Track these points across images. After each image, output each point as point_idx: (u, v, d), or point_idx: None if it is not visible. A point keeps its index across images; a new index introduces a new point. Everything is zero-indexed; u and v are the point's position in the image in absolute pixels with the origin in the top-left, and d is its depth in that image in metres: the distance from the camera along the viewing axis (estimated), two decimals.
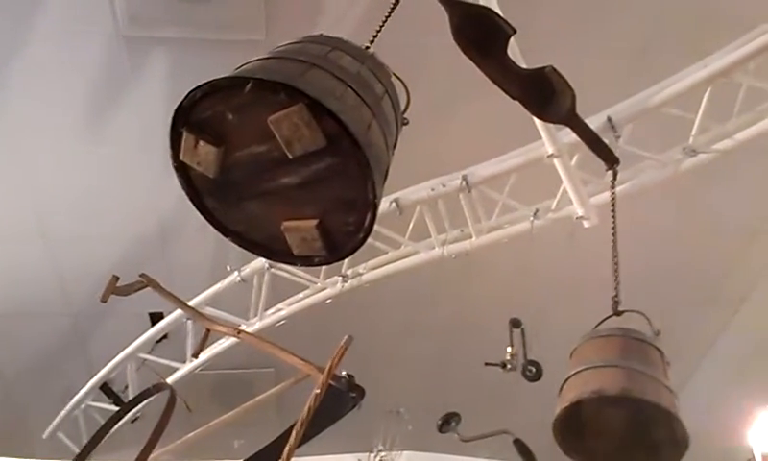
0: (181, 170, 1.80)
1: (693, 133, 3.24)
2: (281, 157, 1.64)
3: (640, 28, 4.11)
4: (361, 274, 4.07)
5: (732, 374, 4.46)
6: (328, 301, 4.23)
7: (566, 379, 2.07)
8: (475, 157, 3.93)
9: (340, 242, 1.74)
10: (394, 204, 3.88)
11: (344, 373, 2.69)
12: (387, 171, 1.87)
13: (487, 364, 2.68)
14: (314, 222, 1.71)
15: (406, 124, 2.09)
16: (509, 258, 4.40)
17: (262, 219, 1.79)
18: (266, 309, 4.37)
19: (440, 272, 4.38)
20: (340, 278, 4.07)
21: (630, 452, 2.06)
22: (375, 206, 1.71)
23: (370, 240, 4.19)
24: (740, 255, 4.16)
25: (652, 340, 2.12)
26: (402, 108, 2.10)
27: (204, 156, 1.72)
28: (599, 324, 2.30)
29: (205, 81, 1.62)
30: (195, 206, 1.85)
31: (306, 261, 1.79)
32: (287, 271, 4.06)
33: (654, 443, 2.00)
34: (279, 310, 4.31)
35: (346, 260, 4.07)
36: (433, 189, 3.86)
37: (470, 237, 3.83)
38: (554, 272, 4.46)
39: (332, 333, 2.51)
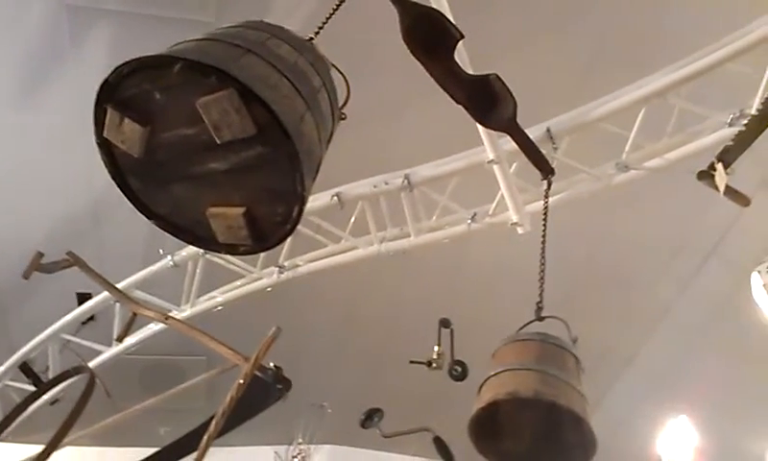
0: (105, 147, 1.75)
1: (626, 149, 3.35)
2: (209, 141, 1.61)
3: (586, 45, 4.24)
4: (299, 265, 4.04)
5: (650, 385, 4.64)
6: (268, 289, 4.19)
7: (485, 380, 2.12)
8: (419, 157, 3.96)
9: (266, 232, 1.72)
10: (335, 198, 3.87)
11: (272, 364, 2.67)
12: (319, 165, 1.87)
13: (412, 362, 2.71)
14: (240, 210, 1.68)
15: (343, 119, 2.08)
16: (446, 259, 4.46)
17: (187, 203, 1.75)
18: (199, 296, 4.28)
19: (378, 269, 4.41)
20: (277, 268, 4.04)
21: (541, 454, 2.12)
22: (303, 199, 1.70)
23: (309, 233, 4.20)
24: (663, 271, 4.35)
25: (569, 346, 2.19)
26: (342, 102, 2.10)
27: (128, 134, 1.68)
28: (521, 328, 2.36)
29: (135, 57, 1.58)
30: (118, 185, 1.80)
31: (231, 249, 1.76)
32: (223, 258, 3.99)
33: (564, 445, 2.07)
34: (213, 298, 4.23)
35: (284, 251, 4.05)
36: (375, 186, 3.87)
37: (409, 236, 3.86)
38: (489, 275, 4.54)
39: (268, 324, 2.49)
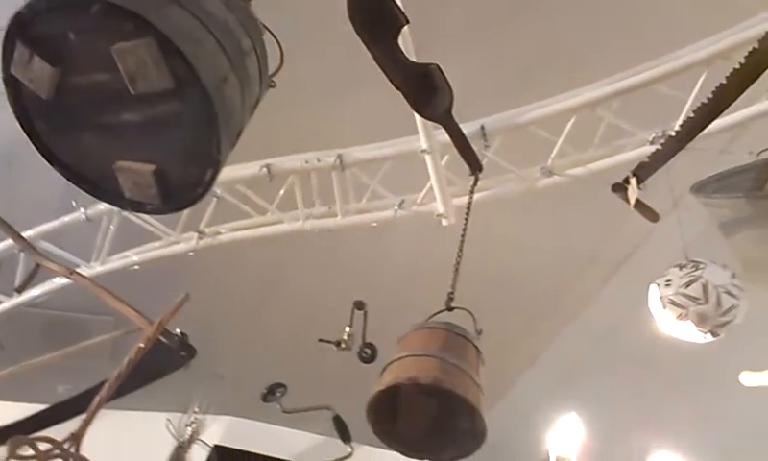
0: (12, 85, 1.64)
1: (552, 155, 3.45)
2: (123, 91, 1.54)
3: (529, 49, 4.32)
4: (220, 233, 3.95)
5: (550, 385, 4.84)
6: (190, 253, 4.07)
7: (388, 364, 2.14)
8: (354, 138, 3.95)
9: (176, 193, 1.66)
10: (265, 169, 3.80)
11: (178, 330, 2.60)
12: (240, 131, 1.81)
13: (320, 340, 2.71)
14: (150, 167, 1.62)
15: (273, 86, 2.03)
16: (373, 242, 4.47)
17: (95, 154, 1.67)
18: (112, 254, 4.12)
19: (302, 246, 4.38)
20: (197, 234, 3.93)
21: (435, 440, 2.17)
22: (218, 164, 1.65)
23: (234, 201, 4.10)
24: (575, 278, 4.53)
25: (472, 338, 2.25)
26: (274, 69, 2.05)
27: (37, 73, 1.58)
28: (431, 316, 2.39)
29: None
30: (22, 126, 1.70)
31: (137, 207, 1.69)
32: (140, 218, 3.84)
33: (457, 432, 2.13)
34: (126, 257, 4.08)
35: (205, 217, 3.95)
36: (307, 162, 3.82)
37: (336, 216, 3.84)
38: (413, 262, 4.58)
39: (185, 289, 2.42)
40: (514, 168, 3.62)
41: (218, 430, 3.20)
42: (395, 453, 2.23)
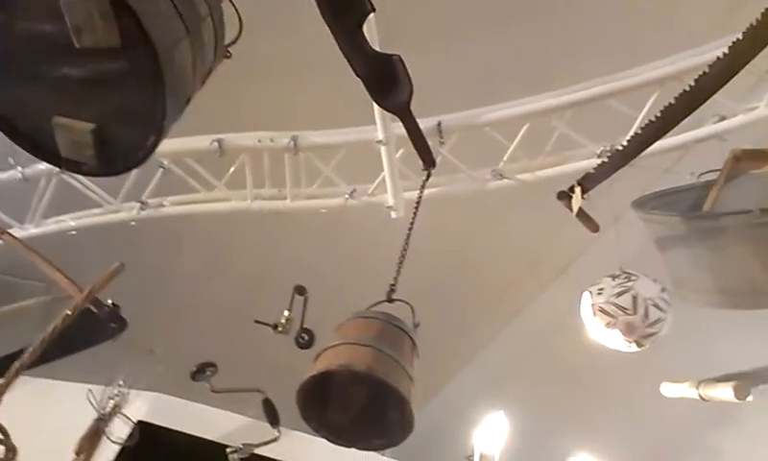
0: None
1: (504, 159, 3.50)
2: (68, 44, 1.46)
3: (496, 53, 4.38)
4: (164, 206, 3.84)
5: (485, 384, 4.93)
6: (132, 223, 3.94)
7: (322, 351, 2.13)
8: (310, 123, 3.90)
9: (115, 156, 1.59)
10: (216, 144, 3.71)
11: (110, 301, 2.51)
12: (189, 99, 1.76)
13: (257, 322, 2.67)
14: (90, 126, 1.54)
15: (228, 57, 1.98)
16: (322, 229, 4.45)
17: (33, 107, 1.58)
18: (49, 217, 3.95)
19: (249, 226, 4.31)
20: (139, 204, 3.81)
21: (363, 428, 2.17)
22: (162, 130, 1.59)
23: (182, 174, 4.00)
24: (517, 282, 4.62)
25: (409, 331, 2.26)
26: (231, 40, 2.00)
27: None
28: (371, 306, 2.39)
29: None
30: None
31: (73, 166, 1.61)
32: (81, 182, 3.70)
33: (385, 422, 2.14)
34: (62, 221, 3.92)
35: (149, 187, 3.83)
36: (260, 141, 3.76)
37: (285, 199, 3.79)
38: (361, 252, 4.58)
39: (124, 259, 2.33)
40: (465, 168, 3.65)
41: (143, 406, 3.12)
42: (322, 440, 2.22)
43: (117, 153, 1.58)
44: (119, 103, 1.53)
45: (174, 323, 4.56)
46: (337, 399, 2.22)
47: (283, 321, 2.69)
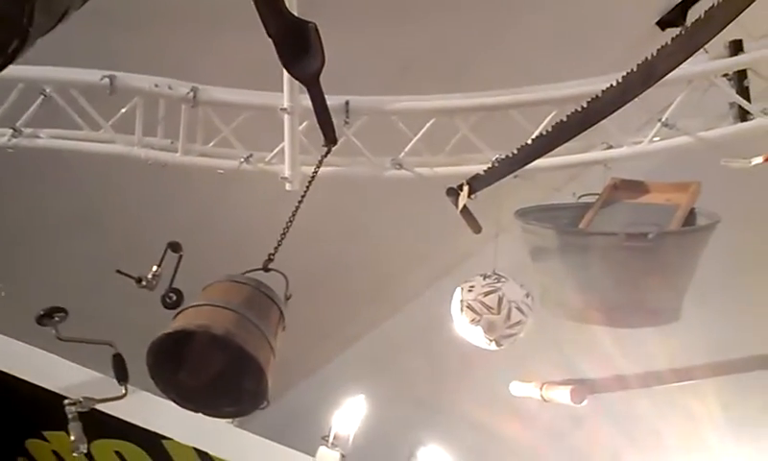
0: None
1: (405, 150, 3.51)
2: None
3: (415, 47, 4.40)
4: (39, 138, 3.54)
5: (361, 370, 4.96)
6: (9, 150, 3.61)
7: (183, 309, 2.04)
8: (215, 79, 3.74)
9: None
10: (108, 80, 3.46)
11: None
12: (65, 12, 1.60)
13: (119, 272, 2.51)
14: None
15: None
16: (214, 189, 4.29)
17: None
18: None
19: (137, 175, 4.08)
20: (11, 130, 3.49)
21: (215, 394, 2.10)
22: (27, 36, 1.43)
23: (65, 106, 3.70)
24: (406, 273, 4.69)
25: (279, 301, 2.20)
26: None
27: None
28: (245, 272, 2.31)
29: None
30: None
31: None
32: None
33: (240, 391, 2.07)
34: None
35: (25, 115, 3.53)
36: (157, 86, 3.55)
37: (176, 152, 3.61)
38: (252, 220, 4.45)
39: None
40: (367, 153, 3.63)
41: None
42: (170, 403, 2.12)
43: None
44: None
45: (32, 265, 4.24)
46: (191, 361, 2.12)
47: (150, 276, 2.53)
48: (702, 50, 2.74)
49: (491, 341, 2.60)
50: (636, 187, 2.88)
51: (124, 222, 4.46)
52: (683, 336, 2.89)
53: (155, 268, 2.53)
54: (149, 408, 2.65)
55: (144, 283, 2.48)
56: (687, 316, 2.63)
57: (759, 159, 2.57)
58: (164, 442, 2.80)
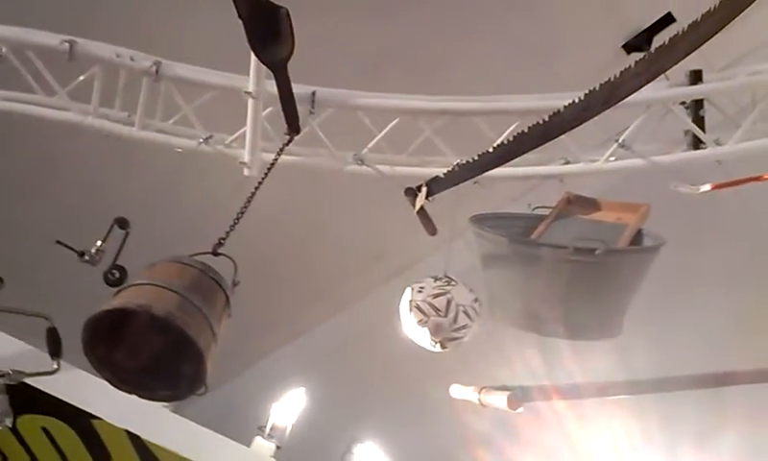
0: None
1: (368, 147, 3.49)
2: None
3: (387, 44, 4.40)
4: None
5: (304, 364, 4.93)
6: None
7: (125, 287, 1.98)
8: (180, 55, 3.65)
9: None
10: (67, 45, 3.34)
11: None
12: None
13: (59, 243, 2.43)
14: None
15: None
16: (171, 168, 4.19)
17: None
18: None
19: (93, 146, 3.95)
20: None
21: (151, 377, 2.04)
22: None
23: (20, 67, 3.56)
24: (359, 271, 4.67)
25: (226, 286, 2.16)
26: None
27: None
28: (194, 255, 2.26)
29: None
30: None
31: None
32: None
33: (177, 375, 2.02)
34: None
35: None
36: (119, 56, 3.43)
37: (133, 126, 3.51)
38: (208, 203, 4.37)
39: None
40: (330, 145, 3.60)
41: None
42: (104, 382, 2.05)
43: None
44: None
45: None
46: (129, 341, 2.06)
47: (93, 251, 2.45)
48: (663, 76, 2.83)
49: (436, 343, 2.61)
50: (589, 204, 2.94)
51: (72, 193, 4.32)
52: (623, 352, 2.97)
53: (99, 243, 2.45)
54: (81, 386, 2.57)
55: (87, 258, 2.41)
56: (628, 333, 2.69)
57: (708, 187, 2.65)
58: (95, 422, 2.72)
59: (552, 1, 4.31)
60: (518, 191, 3.76)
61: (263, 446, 2.69)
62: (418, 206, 2.50)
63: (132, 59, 3.45)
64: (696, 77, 3.08)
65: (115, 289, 2.32)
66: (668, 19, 4.19)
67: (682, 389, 2.66)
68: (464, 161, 3.38)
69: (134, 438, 2.77)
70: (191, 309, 1.93)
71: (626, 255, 2.65)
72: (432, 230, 2.62)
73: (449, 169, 2.60)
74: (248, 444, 2.72)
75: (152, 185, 4.43)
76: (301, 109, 3.36)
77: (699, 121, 3.05)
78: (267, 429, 2.71)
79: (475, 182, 3.12)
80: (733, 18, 1.93)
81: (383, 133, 3.51)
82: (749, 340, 4.24)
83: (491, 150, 2.50)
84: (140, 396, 2.07)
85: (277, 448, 2.63)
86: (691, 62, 2.94)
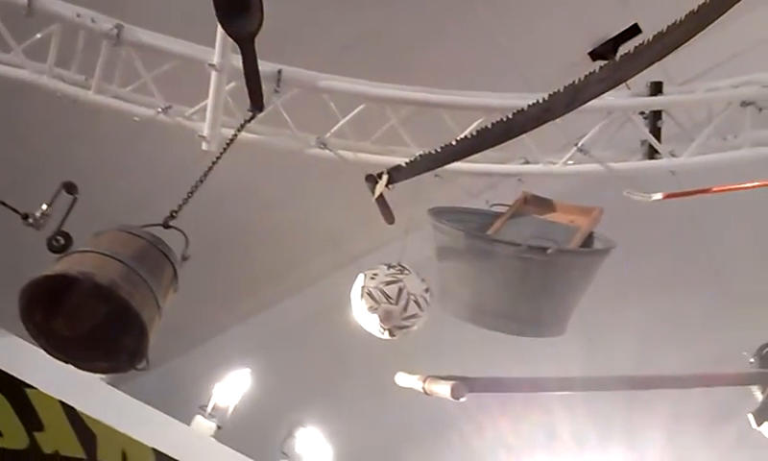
0: None
1: (332, 131, 3.46)
2: None
3: (360, 30, 4.35)
4: None
5: (252, 346, 4.88)
6: None
7: (68, 253, 1.90)
8: (145, 23, 3.54)
9: None
10: (26, 1, 3.20)
11: None
12: None
13: (1, 203, 2.33)
14: None
15: None
16: (127, 135, 4.06)
17: None
18: None
19: (47, 107, 3.80)
20: None
21: (90, 347, 1.98)
22: None
23: None
24: (313, 256, 4.64)
25: (174, 260, 2.11)
26: None
27: None
28: (144, 226, 2.20)
29: None
30: None
31: None
32: None
33: (118, 348, 1.96)
34: None
35: None
36: (80, 16, 3.30)
37: (89, 90, 3.39)
38: (164, 175, 4.25)
39: None
40: (293, 126, 3.55)
41: None
42: (41, 351, 1.98)
43: None
44: None
45: None
46: (70, 310, 1.99)
47: (38, 214, 2.35)
48: (624, 85, 2.88)
49: (385, 330, 2.62)
50: (545, 204, 2.98)
51: (20, 153, 4.15)
52: (565, 350, 3.03)
53: (44, 206, 2.35)
54: (15, 353, 2.47)
55: (31, 221, 2.30)
56: (572, 332, 2.75)
57: (659, 196, 2.72)
58: (28, 391, 2.63)
59: (524, 3, 4.34)
60: (478, 188, 3.79)
61: (203, 425, 2.64)
62: (377, 194, 2.49)
63: (93, 20, 3.33)
64: (657, 88, 3.15)
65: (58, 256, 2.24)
66: (635, 30, 4.27)
67: (613, 389, 2.72)
68: (426, 152, 3.40)
69: (69, 409, 2.68)
70: (136, 280, 1.88)
71: (576, 257, 2.71)
72: (390, 218, 2.62)
73: (411, 159, 2.59)
74: (188, 422, 2.67)
75: (105, 153, 4.29)
76: (266, 87, 3.30)
77: (656, 132, 3.13)
78: (209, 409, 2.66)
79: (436, 176, 3.13)
80: (698, 32, 1.97)
81: (348, 118, 3.48)
82: (682, 343, 4.40)
83: (453, 143, 2.50)
84: (78, 366, 2.00)
85: (218, 428, 2.59)
86: (653, 74, 3.02)
